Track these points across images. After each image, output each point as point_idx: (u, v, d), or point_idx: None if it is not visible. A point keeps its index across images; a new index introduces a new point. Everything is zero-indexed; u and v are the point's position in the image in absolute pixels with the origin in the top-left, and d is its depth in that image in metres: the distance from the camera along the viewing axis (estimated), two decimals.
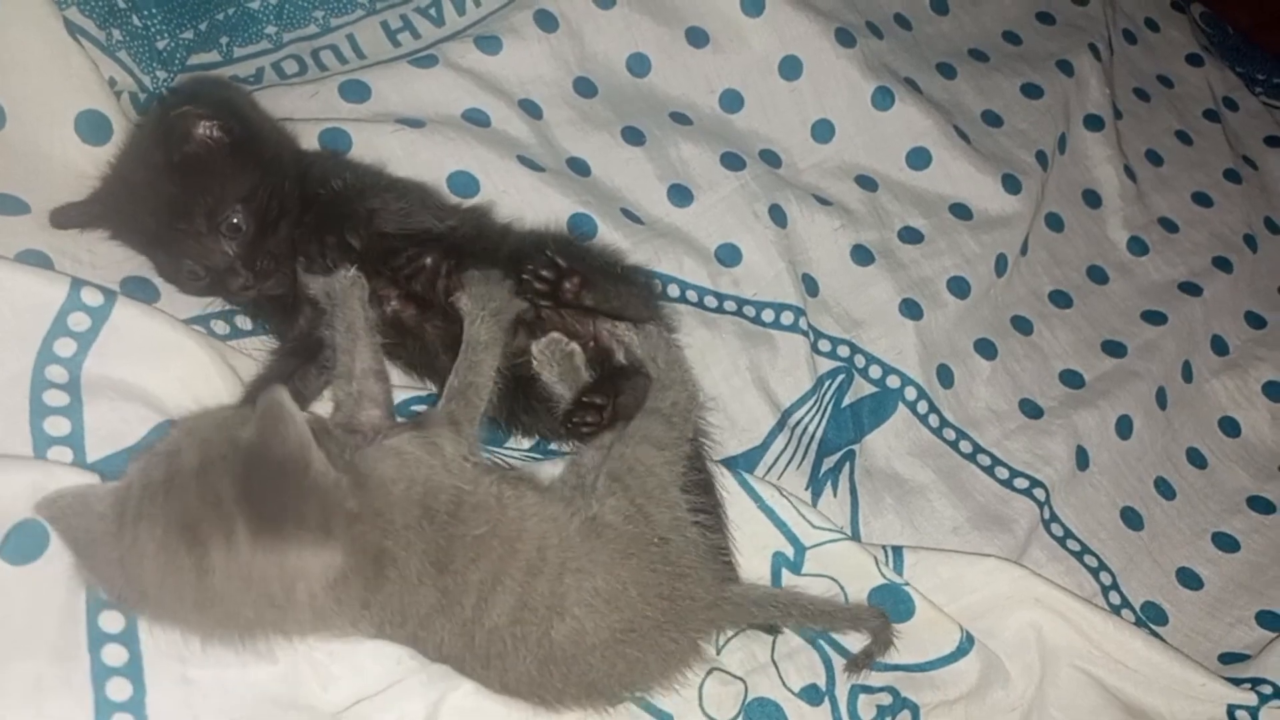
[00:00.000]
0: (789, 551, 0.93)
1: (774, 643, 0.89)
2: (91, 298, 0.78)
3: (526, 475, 0.84)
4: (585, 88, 1.20)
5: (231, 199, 0.84)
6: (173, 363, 0.81)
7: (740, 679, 0.86)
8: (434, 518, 0.71)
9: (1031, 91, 1.43)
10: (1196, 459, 1.25)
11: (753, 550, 0.92)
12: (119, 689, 0.68)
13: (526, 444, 0.97)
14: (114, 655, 0.68)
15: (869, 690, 0.91)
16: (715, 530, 0.87)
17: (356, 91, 1.07)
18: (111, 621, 0.69)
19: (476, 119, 1.11)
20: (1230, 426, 1.30)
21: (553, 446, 0.96)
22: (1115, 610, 1.08)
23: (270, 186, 0.86)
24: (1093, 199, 1.43)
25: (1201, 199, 1.49)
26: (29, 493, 0.67)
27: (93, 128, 0.89)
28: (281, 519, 0.64)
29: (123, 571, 0.65)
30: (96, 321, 0.78)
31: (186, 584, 0.64)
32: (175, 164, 0.83)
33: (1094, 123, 1.45)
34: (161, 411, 0.79)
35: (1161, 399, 1.26)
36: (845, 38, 1.28)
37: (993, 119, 1.39)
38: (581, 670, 0.74)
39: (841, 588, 0.92)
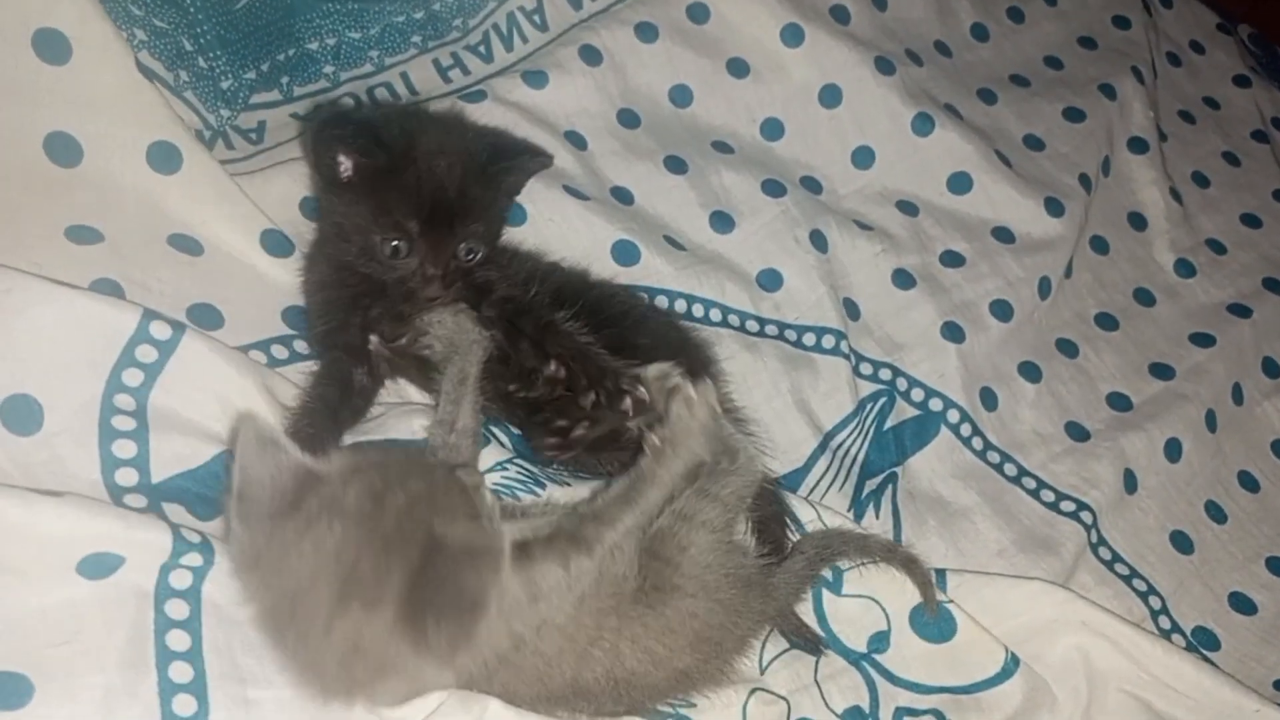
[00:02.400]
0: (828, 573, 0.93)
1: (817, 664, 0.90)
2: (159, 331, 0.82)
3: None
4: (629, 119, 1.23)
5: (489, 244, 0.88)
6: (232, 397, 0.84)
7: (784, 698, 0.87)
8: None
9: (1074, 115, 1.43)
10: (1248, 482, 1.24)
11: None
12: (184, 705, 0.70)
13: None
14: (180, 672, 0.71)
15: (913, 713, 0.91)
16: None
17: None
18: (178, 640, 0.72)
19: None
20: None
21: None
22: (1165, 635, 1.07)
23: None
24: (1138, 221, 1.42)
25: (1250, 220, 1.48)
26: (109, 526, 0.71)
27: (164, 158, 0.92)
28: (425, 630, 0.64)
29: (255, 545, 0.66)
30: (163, 355, 0.82)
31: (307, 615, 0.65)
32: (489, 184, 0.88)
33: (1138, 145, 1.45)
34: (221, 443, 0.83)
35: (1211, 422, 1.24)
36: (885, 66, 1.30)
37: (1034, 143, 1.40)
38: (628, 693, 0.76)
39: (882, 608, 0.93)
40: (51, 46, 0.89)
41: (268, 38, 1.13)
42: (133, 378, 0.81)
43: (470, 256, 0.87)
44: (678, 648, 0.76)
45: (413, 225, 0.84)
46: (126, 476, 0.79)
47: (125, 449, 0.79)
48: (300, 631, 0.66)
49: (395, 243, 0.85)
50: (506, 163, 0.90)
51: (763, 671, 0.88)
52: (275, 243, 0.97)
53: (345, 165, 0.85)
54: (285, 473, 0.67)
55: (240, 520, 0.67)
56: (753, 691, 0.86)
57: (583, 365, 0.87)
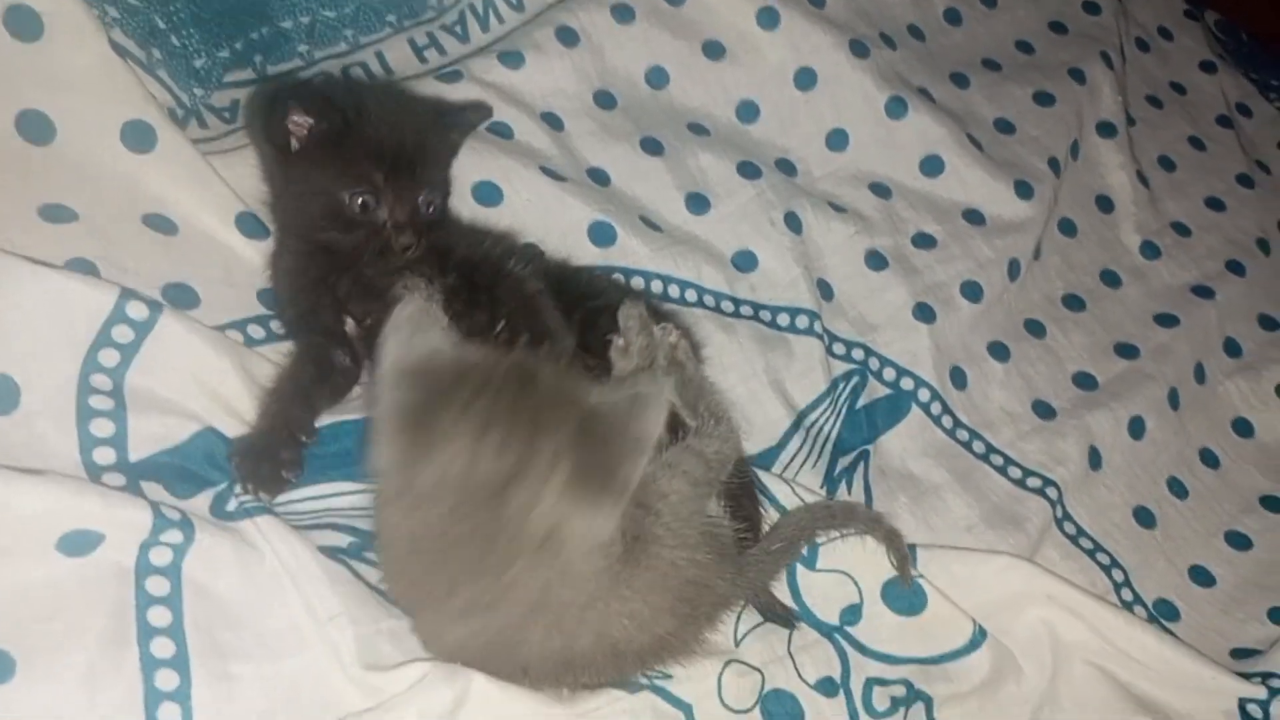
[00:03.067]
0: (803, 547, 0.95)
1: (790, 636, 0.92)
2: (136, 311, 0.82)
3: None
4: (605, 100, 1.23)
5: (446, 195, 0.92)
6: (210, 378, 0.85)
7: (758, 670, 0.89)
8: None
9: (1044, 100, 1.45)
10: (1210, 459, 1.27)
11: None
12: (166, 679, 0.71)
13: None
14: (162, 648, 0.72)
15: (883, 682, 0.93)
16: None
17: None
18: (159, 617, 0.73)
19: (500, 131, 1.14)
20: (1244, 427, 1.31)
21: None
22: (1127, 607, 1.09)
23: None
24: (1105, 204, 1.45)
25: (1214, 204, 1.51)
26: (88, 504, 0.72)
27: (138, 136, 0.92)
28: (602, 484, 0.67)
29: (413, 426, 0.67)
30: (139, 336, 0.82)
31: (475, 487, 0.67)
32: (447, 138, 0.93)
33: (1107, 130, 1.47)
34: (199, 421, 0.83)
35: (1174, 400, 1.27)
36: (859, 49, 1.31)
37: (1005, 127, 1.42)
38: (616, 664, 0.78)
39: (855, 582, 0.95)
40: (23, 23, 0.88)
41: (241, 15, 1.12)
42: (109, 358, 0.81)
43: (431, 210, 0.89)
44: (660, 608, 0.77)
45: (378, 176, 0.85)
46: (104, 455, 0.79)
47: (103, 428, 0.80)
48: (464, 503, 0.67)
49: (363, 196, 0.85)
50: (453, 115, 0.95)
51: (737, 644, 0.89)
52: (250, 223, 0.96)
53: (299, 130, 0.86)
54: (440, 354, 0.69)
55: (400, 395, 0.69)
56: (728, 663, 0.87)
57: (527, 319, 0.88)
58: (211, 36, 1.09)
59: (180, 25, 1.07)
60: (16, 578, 0.70)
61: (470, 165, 1.08)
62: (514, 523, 0.68)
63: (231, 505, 0.79)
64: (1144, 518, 1.18)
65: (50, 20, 0.89)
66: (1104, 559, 1.13)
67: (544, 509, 0.67)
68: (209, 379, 0.85)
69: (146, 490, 0.77)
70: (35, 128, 0.89)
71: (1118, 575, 1.12)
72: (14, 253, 0.80)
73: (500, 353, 0.73)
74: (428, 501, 0.69)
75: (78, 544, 0.72)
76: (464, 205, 1.07)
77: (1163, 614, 1.12)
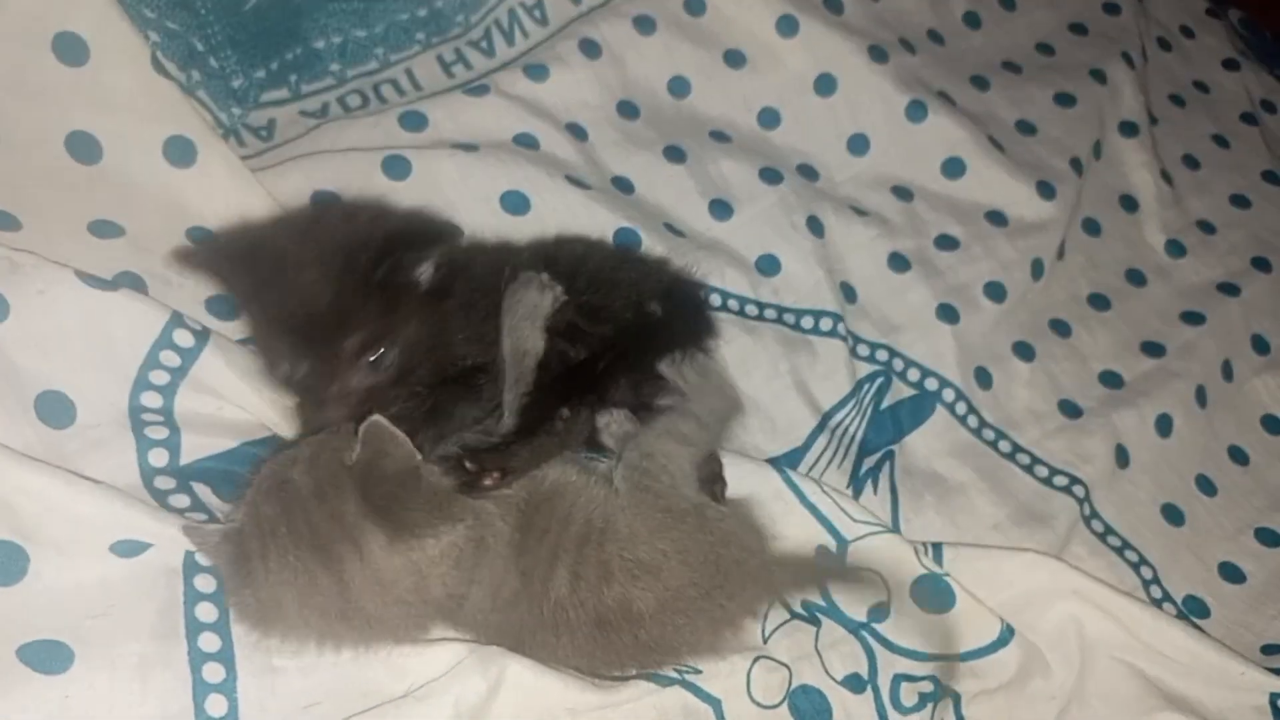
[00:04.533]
0: (832, 545, 0.96)
1: (817, 633, 0.93)
2: (183, 339, 0.86)
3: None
4: (628, 110, 1.26)
5: (395, 340, 0.79)
6: (250, 404, 0.88)
7: (786, 666, 0.90)
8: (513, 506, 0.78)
9: (1065, 100, 1.46)
10: (1238, 456, 1.26)
11: (797, 544, 0.96)
12: (213, 672, 0.74)
13: None
14: (209, 642, 0.75)
15: (911, 679, 0.94)
16: None
17: (415, 121, 1.14)
18: (206, 613, 0.76)
19: (526, 142, 1.17)
20: (1272, 424, 1.30)
21: None
22: (1156, 604, 1.09)
23: (432, 350, 0.81)
24: (1129, 204, 1.45)
25: (1239, 201, 1.50)
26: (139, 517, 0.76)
27: (180, 152, 0.95)
28: (407, 521, 0.71)
29: (258, 602, 0.71)
30: (186, 362, 0.86)
31: (330, 601, 0.71)
32: (374, 283, 0.79)
33: (1129, 129, 1.48)
34: (246, 433, 0.87)
35: (1201, 398, 1.27)
36: (878, 54, 1.33)
37: (1026, 128, 1.42)
38: (634, 634, 0.79)
39: (883, 579, 0.96)
40: (70, 49, 0.92)
41: (276, 37, 1.16)
42: (159, 377, 0.85)
43: (379, 363, 0.79)
44: (669, 559, 0.80)
45: (284, 345, 0.80)
46: (158, 457, 0.83)
47: (157, 432, 0.84)
48: (333, 612, 0.71)
49: (280, 368, 0.81)
50: (387, 264, 0.79)
51: (765, 640, 0.91)
52: None
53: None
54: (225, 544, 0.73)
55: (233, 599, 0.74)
56: (756, 659, 0.88)
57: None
58: (248, 58, 1.13)
59: (218, 48, 1.11)
60: (73, 575, 0.73)
61: (498, 175, 1.12)
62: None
63: None
64: (1172, 515, 1.18)
65: (95, 44, 0.93)
66: (1132, 556, 1.13)
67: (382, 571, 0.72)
68: (247, 403, 0.88)
69: (196, 491, 0.81)
70: (84, 148, 0.93)
71: (1146, 572, 1.12)
72: (72, 268, 0.83)
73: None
74: None
75: (129, 549, 0.76)
76: (492, 215, 1.10)
77: (1192, 610, 1.12)
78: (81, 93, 0.92)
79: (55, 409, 0.80)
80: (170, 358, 0.85)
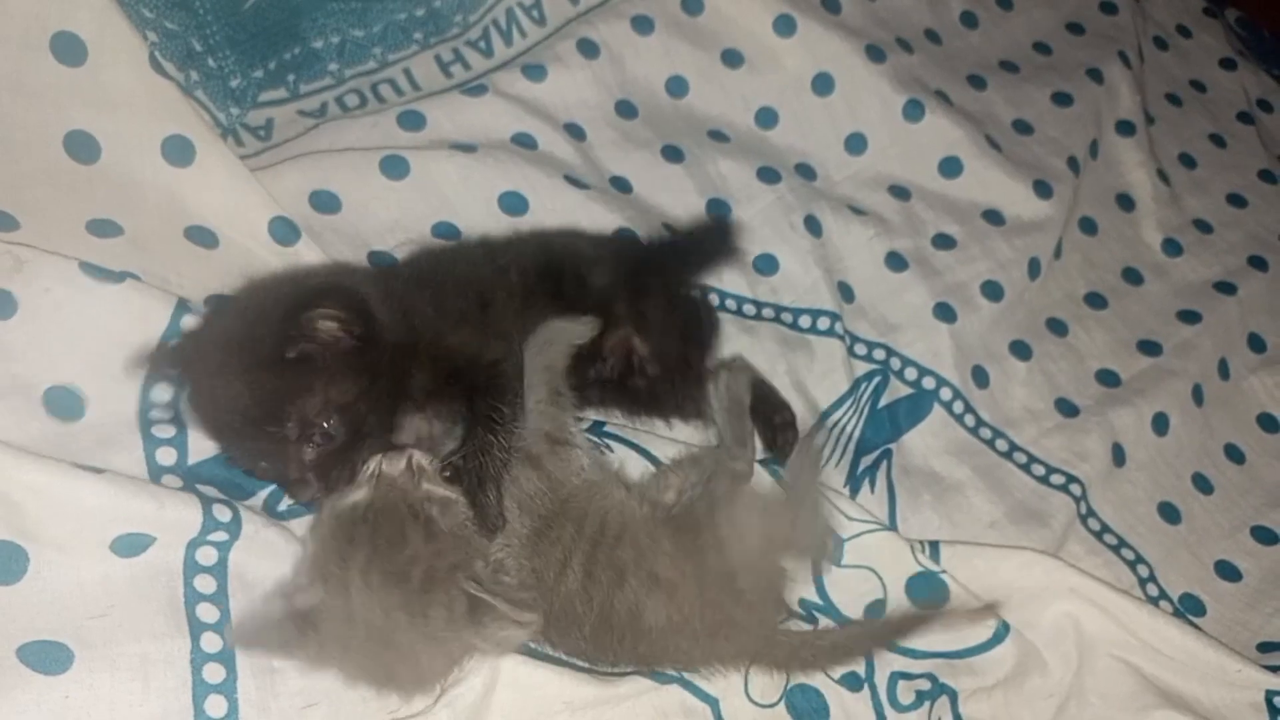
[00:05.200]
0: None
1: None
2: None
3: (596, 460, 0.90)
4: (626, 110, 1.26)
5: (331, 406, 0.78)
6: None
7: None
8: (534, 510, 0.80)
9: (1062, 100, 1.46)
10: (1235, 454, 1.27)
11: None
12: (213, 673, 0.75)
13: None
14: (210, 643, 0.75)
15: (908, 676, 0.94)
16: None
17: (413, 121, 1.15)
18: (207, 613, 0.77)
19: (525, 142, 1.18)
20: (1269, 423, 1.31)
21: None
22: (1153, 602, 1.10)
23: (371, 394, 0.80)
24: (1126, 203, 1.45)
25: (1236, 200, 1.51)
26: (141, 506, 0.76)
27: (178, 151, 0.95)
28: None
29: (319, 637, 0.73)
30: None
31: (400, 645, 0.73)
32: (288, 361, 0.77)
33: (1126, 128, 1.48)
34: None
35: (1198, 396, 1.28)
36: (876, 54, 1.33)
37: (1024, 127, 1.43)
38: (634, 646, 0.80)
39: (880, 577, 0.96)
40: (69, 48, 0.92)
41: (274, 37, 1.16)
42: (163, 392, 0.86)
43: (327, 432, 0.78)
44: (689, 584, 0.81)
45: (238, 450, 0.81)
46: (166, 455, 0.83)
47: (164, 430, 0.84)
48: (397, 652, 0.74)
49: (246, 465, 0.82)
50: (289, 340, 0.78)
51: None
52: (282, 228, 0.99)
53: None
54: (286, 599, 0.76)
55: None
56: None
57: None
58: (246, 58, 1.14)
59: (216, 48, 1.12)
60: (74, 575, 0.73)
61: (496, 175, 1.12)
62: None
63: (282, 506, 0.84)
64: (1169, 513, 1.19)
65: (93, 44, 0.93)
66: (1129, 554, 1.13)
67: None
68: None
69: (202, 492, 0.81)
70: (82, 147, 0.93)
71: (1143, 570, 1.13)
72: (78, 261, 0.84)
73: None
74: None
75: (130, 546, 0.76)
76: (491, 215, 1.10)
77: (1188, 609, 1.12)
78: (80, 92, 0.93)
79: (65, 404, 0.81)
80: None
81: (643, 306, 0.98)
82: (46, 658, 0.70)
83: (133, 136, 0.95)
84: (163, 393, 0.85)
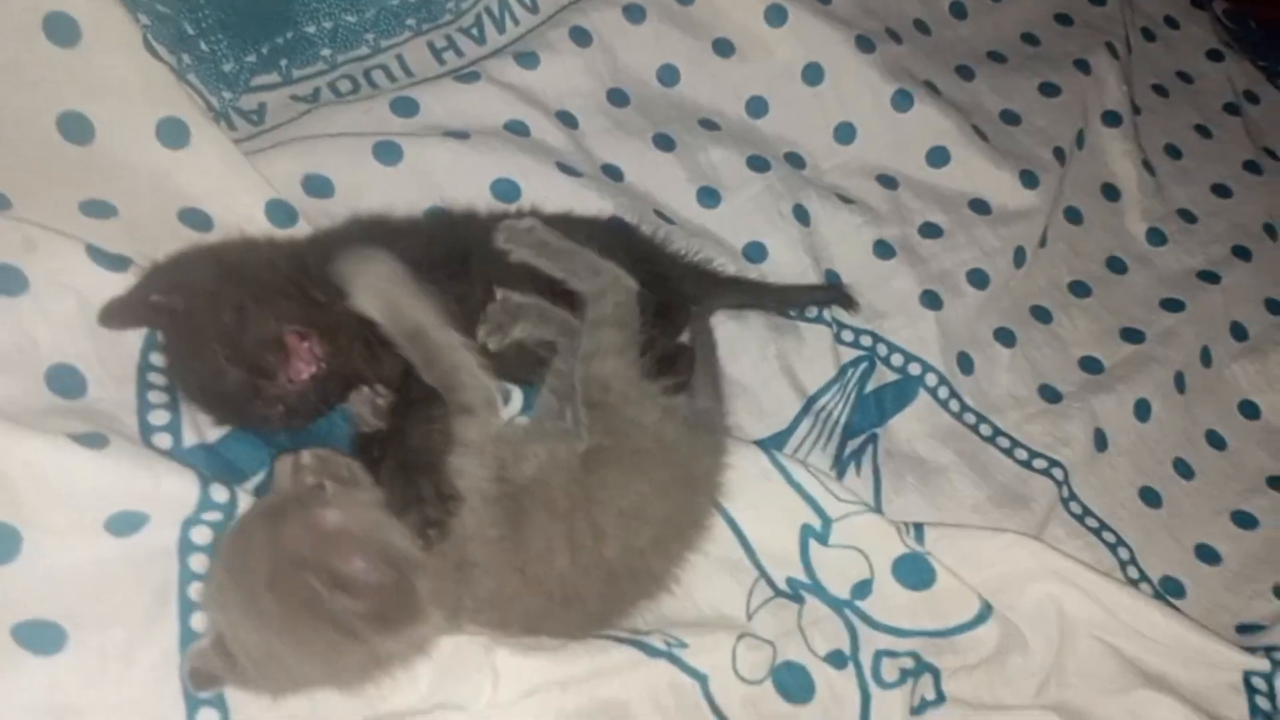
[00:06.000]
0: (816, 524, 0.98)
1: (800, 610, 0.95)
2: None
3: (520, 428, 0.92)
4: (618, 98, 1.27)
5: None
6: None
7: (770, 643, 0.91)
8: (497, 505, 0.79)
9: (1049, 90, 1.48)
10: (1216, 440, 1.29)
11: (783, 523, 0.98)
12: None
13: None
14: (201, 623, 0.76)
15: (892, 655, 0.96)
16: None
17: (406, 107, 1.15)
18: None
19: (517, 129, 1.18)
20: (1250, 409, 1.33)
21: None
22: (1134, 584, 1.12)
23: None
24: (1111, 193, 1.47)
25: (1221, 190, 1.53)
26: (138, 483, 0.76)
27: (172, 133, 0.95)
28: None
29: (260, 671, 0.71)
30: None
31: (326, 666, 0.72)
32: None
33: (1112, 119, 1.49)
34: None
35: (1180, 383, 1.29)
36: (865, 44, 1.34)
37: (1011, 118, 1.44)
38: (645, 571, 0.83)
39: (866, 557, 0.97)
40: (61, 30, 0.91)
41: (267, 21, 1.16)
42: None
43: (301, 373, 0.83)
44: (648, 497, 0.82)
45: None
46: (162, 440, 0.84)
47: (160, 417, 0.86)
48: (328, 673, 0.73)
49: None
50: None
51: (750, 618, 0.93)
52: (279, 210, 0.99)
53: None
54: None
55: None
56: (740, 637, 0.90)
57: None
58: (239, 41, 1.14)
59: (209, 31, 1.12)
60: (69, 555, 0.74)
61: (489, 162, 1.13)
62: None
63: None
64: (1150, 497, 1.20)
65: (86, 25, 0.92)
66: (1110, 537, 1.15)
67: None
68: None
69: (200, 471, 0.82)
70: (76, 128, 0.92)
71: (1123, 553, 1.15)
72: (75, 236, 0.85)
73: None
74: None
75: (125, 524, 0.77)
76: (483, 201, 1.11)
77: (1169, 591, 1.14)
78: (73, 74, 0.92)
79: (67, 382, 0.82)
80: None
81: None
82: (41, 637, 0.71)
83: (126, 119, 0.95)
84: (160, 378, 0.86)
